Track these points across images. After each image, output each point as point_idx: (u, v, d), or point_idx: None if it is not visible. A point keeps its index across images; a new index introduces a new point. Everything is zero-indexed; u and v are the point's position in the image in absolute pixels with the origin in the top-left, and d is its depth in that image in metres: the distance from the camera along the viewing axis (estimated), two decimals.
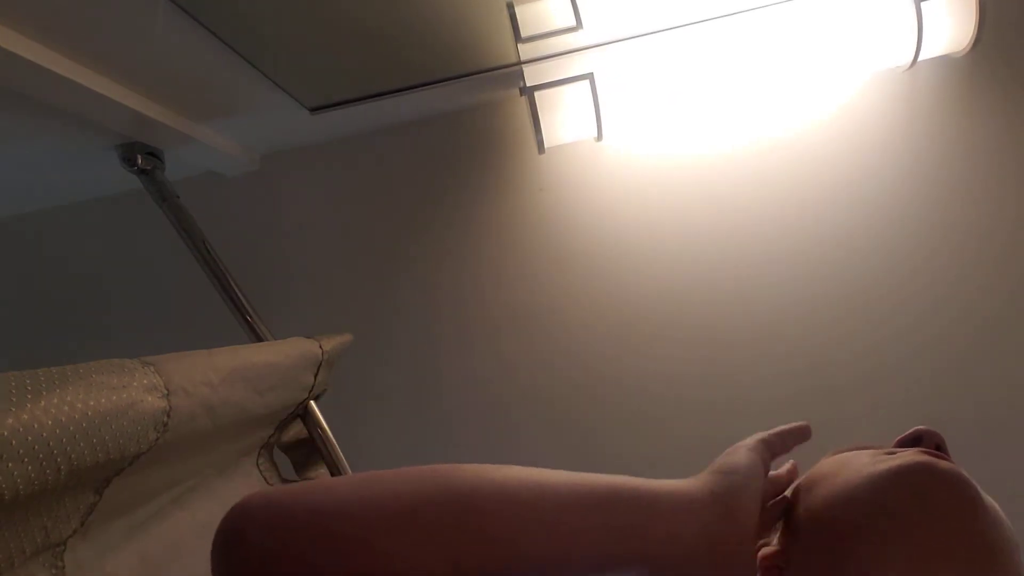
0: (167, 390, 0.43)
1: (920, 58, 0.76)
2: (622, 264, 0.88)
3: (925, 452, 0.36)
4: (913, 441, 0.38)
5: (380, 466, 0.78)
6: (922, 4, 0.71)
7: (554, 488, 0.29)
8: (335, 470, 0.67)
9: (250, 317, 0.71)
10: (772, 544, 0.40)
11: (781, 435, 0.40)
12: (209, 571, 0.27)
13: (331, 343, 0.66)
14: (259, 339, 0.69)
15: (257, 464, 0.62)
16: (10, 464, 0.31)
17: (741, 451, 0.37)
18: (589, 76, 0.74)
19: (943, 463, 0.35)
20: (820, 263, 0.86)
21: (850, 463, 0.38)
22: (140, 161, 0.74)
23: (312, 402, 0.67)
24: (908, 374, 0.84)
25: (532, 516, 0.28)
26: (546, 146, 0.80)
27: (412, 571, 0.25)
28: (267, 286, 0.88)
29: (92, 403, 0.36)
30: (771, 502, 0.40)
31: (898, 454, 0.36)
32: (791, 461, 0.44)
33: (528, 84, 0.75)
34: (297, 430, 0.68)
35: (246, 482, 0.60)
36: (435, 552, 0.26)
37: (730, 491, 0.33)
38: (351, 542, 0.26)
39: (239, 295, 0.71)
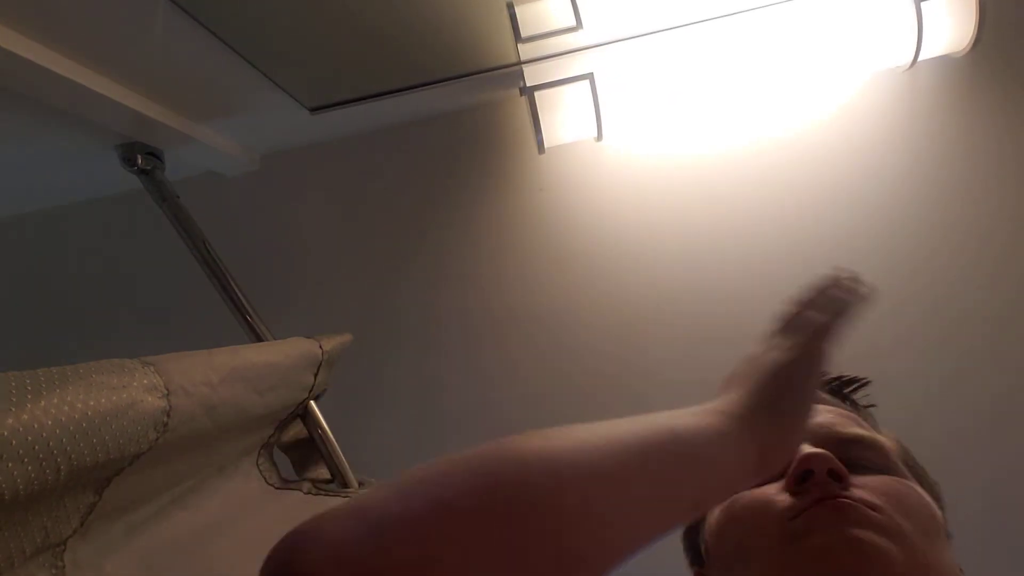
0: (167, 390, 0.43)
1: (920, 58, 0.76)
2: (622, 264, 0.88)
3: (827, 509, 0.34)
4: (804, 475, 0.35)
5: (380, 466, 0.78)
6: (922, 4, 0.71)
7: (610, 455, 0.27)
8: (335, 470, 0.67)
9: (250, 317, 0.71)
10: None
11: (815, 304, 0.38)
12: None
13: (331, 343, 0.66)
14: (259, 339, 0.69)
15: (257, 464, 0.62)
16: (10, 464, 0.31)
17: (764, 358, 0.36)
18: (589, 76, 0.74)
19: (834, 541, 0.32)
20: (820, 263, 0.85)
21: (758, 502, 0.37)
22: (140, 161, 0.74)
23: (312, 402, 0.67)
24: (908, 374, 0.84)
25: (599, 495, 0.25)
26: (546, 146, 0.80)
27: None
28: (267, 286, 0.88)
29: (92, 403, 0.36)
30: None
31: (801, 519, 0.34)
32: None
33: (528, 84, 0.75)
34: (297, 430, 0.68)
35: (246, 482, 0.60)
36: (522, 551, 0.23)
37: (755, 421, 0.32)
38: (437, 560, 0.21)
39: (239, 295, 0.71)
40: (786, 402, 0.34)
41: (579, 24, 0.71)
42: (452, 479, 0.24)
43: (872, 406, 0.50)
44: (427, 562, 0.21)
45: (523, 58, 0.76)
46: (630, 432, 0.28)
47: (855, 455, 0.38)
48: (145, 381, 0.41)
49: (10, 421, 0.31)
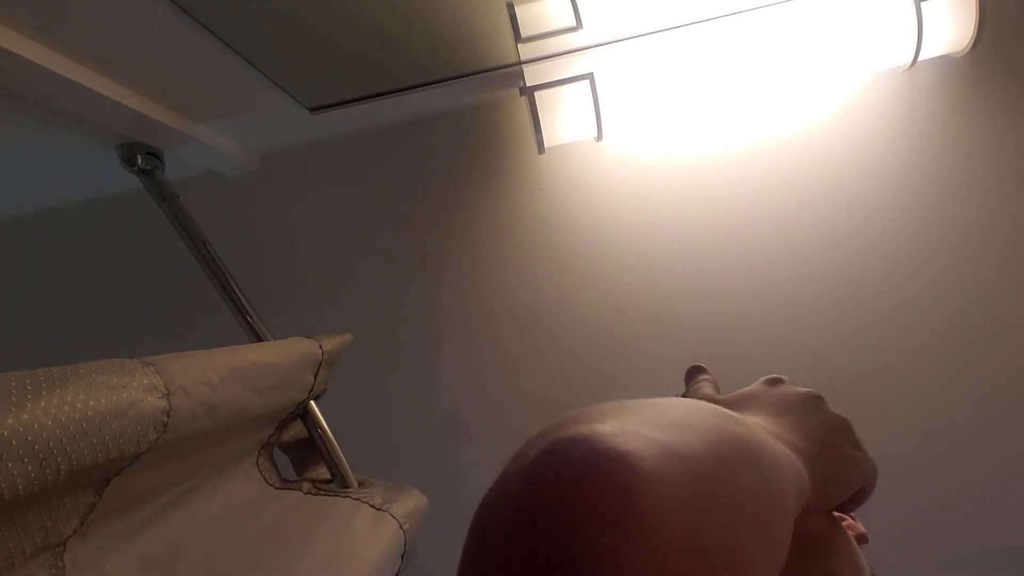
0: (167, 390, 0.43)
1: (920, 58, 0.76)
2: (622, 264, 0.88)
3: None
4: None
5: (380, 466, 0.78)
6: (922, 4, 0.71)
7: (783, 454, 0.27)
8: (335, 470, 0.67)
9: (250, 317, 0.71)
10: None
11: None
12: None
13: (331, 343, 0.66)
14: (259, 339, 0.69)
15: (257, 464, 0.62)
16: (10, 464, 0.31)
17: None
18: (589, 76, 0.74)
19: None
20: (820, 263, 0.86)
21: None
22: (140, 161, 0.74)
23: (312, 402, 0.67)
24: (909, 374, 0.84)
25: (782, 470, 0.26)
26: (546, 146, 0.80)
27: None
28: (267, 286, 0.88)
29: (92, 403, 0.36)
30: None
31: None
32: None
33: (528, 84, 0.75)
34: (297, 430, 0.68)
35: (246, 482, 0.60)
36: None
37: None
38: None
39: (239, 295, 0.71)
40: (840, 486, 0.33)
41: (579, 24, 0.71)
42: (724, 443, 0.23)
43: None
44: (732, 540, 0.19)
45: (523, 58, 0.76)
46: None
47: None
48: (145, 381, 0.41)
49: (10, 421, 0.31)
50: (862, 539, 0.40)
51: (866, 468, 0.34)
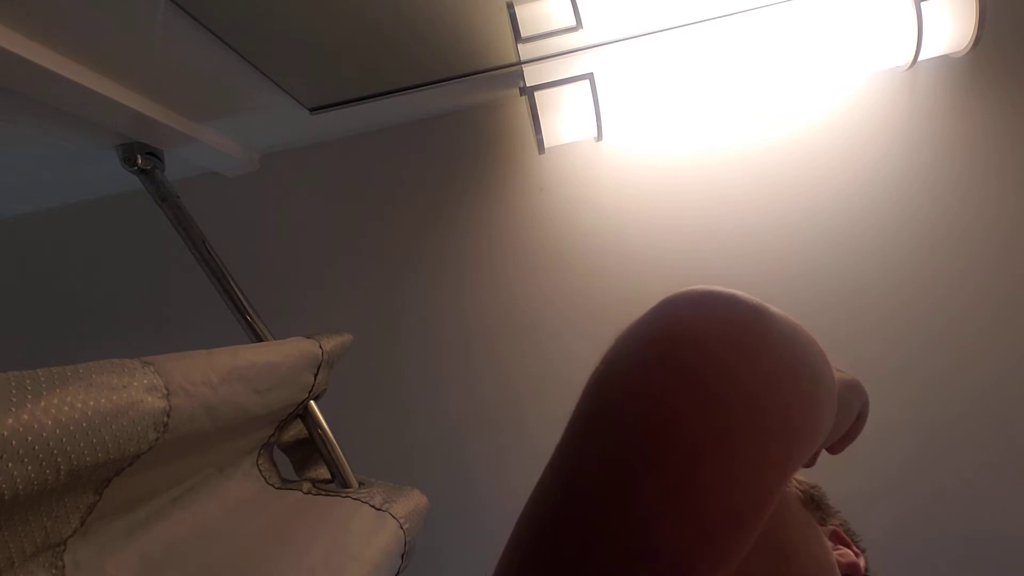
0: (167, 390, 0.43)
1: (920, 58, 0.76)
2: (622, 264, 0.88)
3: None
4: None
5: (380, 466, 0.78)
6: (922, 4, 0.71)
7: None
8: (335, 470, 0.67)
9: (250, 317, 0.71)
10: None
11: None
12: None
13: (331, 343, 0.66)
14: (259, 339, 0.69)
15: (257, 464, 0.62)
16: (10, 464, 0.31)
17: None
18: (589, 76, 0.74)
19: None
20: (820, 263, 0.86)
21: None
22: (140, 161, 0.74)
23: (312, 402, 0.67)
24: (908, 374, 0.84)
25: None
26: (546, 146, 0.80)
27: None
28: (267, 286, 0.88)
29: (92, 403, 0.36)
30: None
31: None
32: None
33: (528, 84, 0.75)
34: (297, 430, 0.68)
35: (246, 482, 0.60)
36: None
37: None
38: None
39: (239, 295, 0.71)
40: (847, 412, 0.35)
41: (579, 24, 0.71)
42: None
43: None
44: (815, 383, 0.23)
45: (523, 58, 0.76)
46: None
47: None
48: (145, 381, 0.41)
49: (10, 421, 0.31)
50: (854, 570, 0.40)
51: (858, 386, 0.36)
